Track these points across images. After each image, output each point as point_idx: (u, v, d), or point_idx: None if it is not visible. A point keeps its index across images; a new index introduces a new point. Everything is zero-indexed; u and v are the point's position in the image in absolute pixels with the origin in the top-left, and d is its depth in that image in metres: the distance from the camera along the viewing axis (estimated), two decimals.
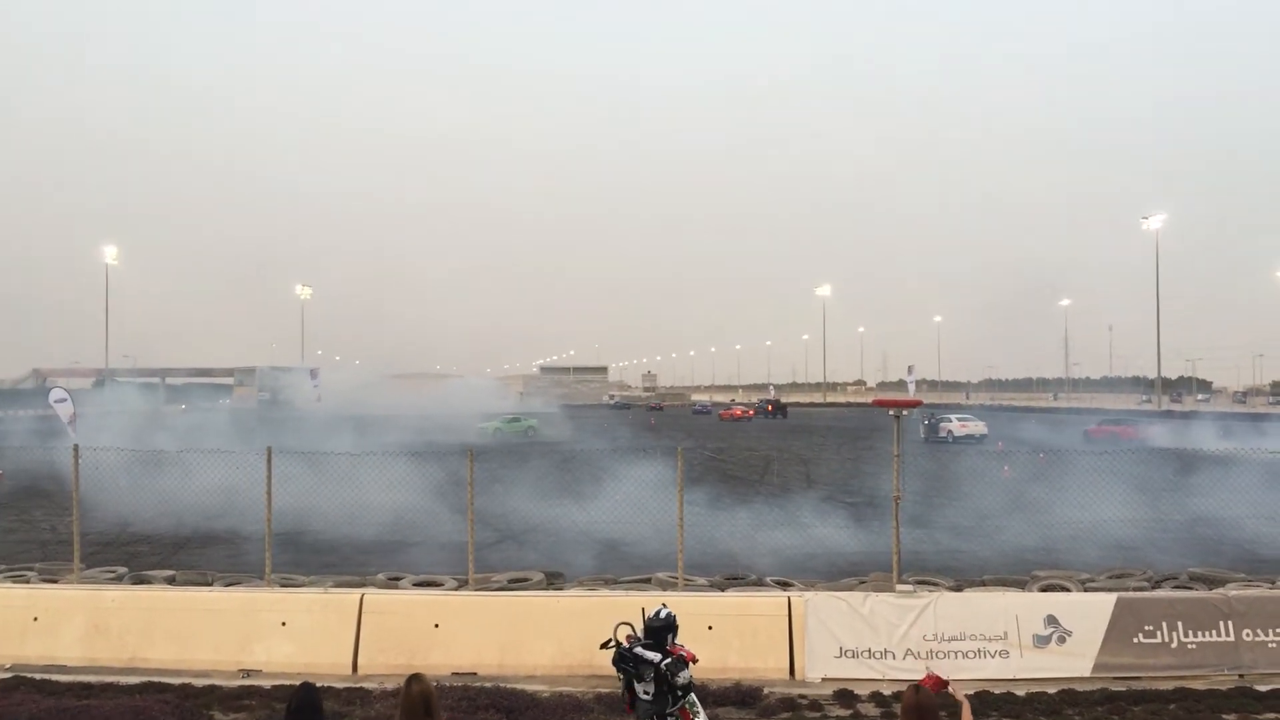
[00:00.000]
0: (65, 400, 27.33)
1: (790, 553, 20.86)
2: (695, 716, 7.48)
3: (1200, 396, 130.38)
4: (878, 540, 21.35)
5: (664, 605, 7.77)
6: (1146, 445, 47.63)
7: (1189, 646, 12.05)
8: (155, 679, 11.77)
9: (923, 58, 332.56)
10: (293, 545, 20.47)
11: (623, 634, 7.72)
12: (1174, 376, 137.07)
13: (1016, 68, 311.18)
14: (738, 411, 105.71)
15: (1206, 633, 12.09)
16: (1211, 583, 14.56)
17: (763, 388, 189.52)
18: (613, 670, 7.70)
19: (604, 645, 7.77)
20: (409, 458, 23.74)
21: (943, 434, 57.71)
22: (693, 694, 7.43)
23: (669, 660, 7.30)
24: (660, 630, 7.50)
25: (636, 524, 19.47)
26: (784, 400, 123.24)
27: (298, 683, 11.48)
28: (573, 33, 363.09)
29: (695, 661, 7.51)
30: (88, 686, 11.50)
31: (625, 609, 12.58)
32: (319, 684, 11.46)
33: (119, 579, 15.31)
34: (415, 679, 6.00)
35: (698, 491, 27.41)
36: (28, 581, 14.94)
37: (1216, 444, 37.28)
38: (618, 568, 17.41)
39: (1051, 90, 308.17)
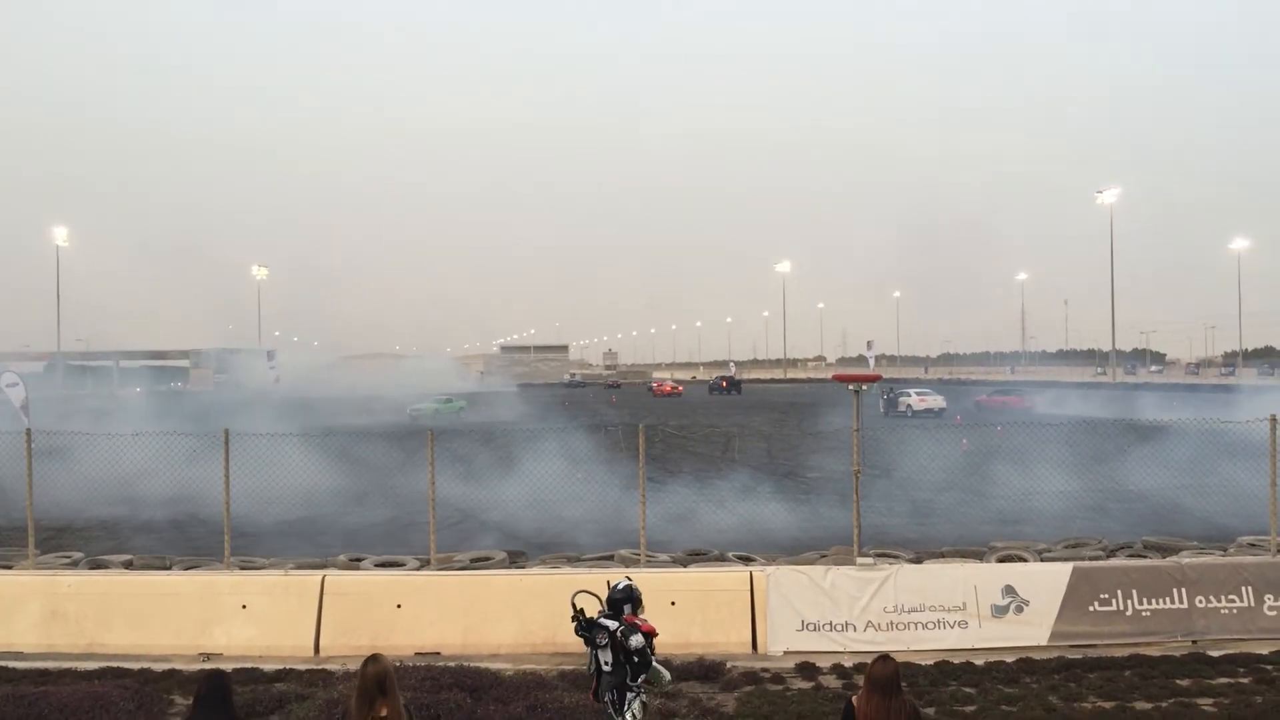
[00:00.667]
0: (17, 385, 26.85)
1: (750, 528, 20.98)
2: (656, 684, 7.48)
3: (1154, 368, 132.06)
4: (836, 515, 21.53)
5: (627, 578, 7.78)
6: (1032, 413, 52.00)
7: (1144, 614, 12.24)
8: (114, 664, 11.66)
9: (875, 33, 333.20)
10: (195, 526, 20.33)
11: (581, 601, 7.73)
12: (1128, 349, 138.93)
13: (976, 42, 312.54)
14: (667, 388, 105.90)
15: (1161, 600, 12.29)
16: (1165, 551, 14.82)
17: (723, 364, 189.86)
18: (576, 648, 7.71)
19: (573, 618, 7.76)
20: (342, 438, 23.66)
21: (901, 408, 58.20)
22: (657, 666, 7.42)
23: (622, 627, 7.33)
24: (618, 601, 7.52)
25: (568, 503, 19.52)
26: (741, 377, 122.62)
27: (260, 666, 11.52)
28: (527, 12, 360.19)
29: (654, 634, 7.46)
30: (45, 673, 11.37)
31: (588, 586, 12.62)
32: (281, 666, 11.50)
33: (75, 564, 15.15)
34: (372, 660, 5.95)
35: (656, 468, 27.49)
36: None
37: (1146, 414, 38.54)
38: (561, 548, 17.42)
39: (1009, 66, 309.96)
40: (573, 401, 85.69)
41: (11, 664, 11.70)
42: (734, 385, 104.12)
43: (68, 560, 15.37)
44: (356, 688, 5.85)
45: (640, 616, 7.48)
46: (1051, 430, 28.29)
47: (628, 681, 7.30)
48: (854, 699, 6.13)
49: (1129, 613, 12.25)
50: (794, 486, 27.31)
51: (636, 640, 7.28)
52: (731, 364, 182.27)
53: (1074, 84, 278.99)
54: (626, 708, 7.26)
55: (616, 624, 7.39)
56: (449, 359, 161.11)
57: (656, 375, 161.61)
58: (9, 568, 14.51)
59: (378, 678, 5.80)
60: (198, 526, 20.84)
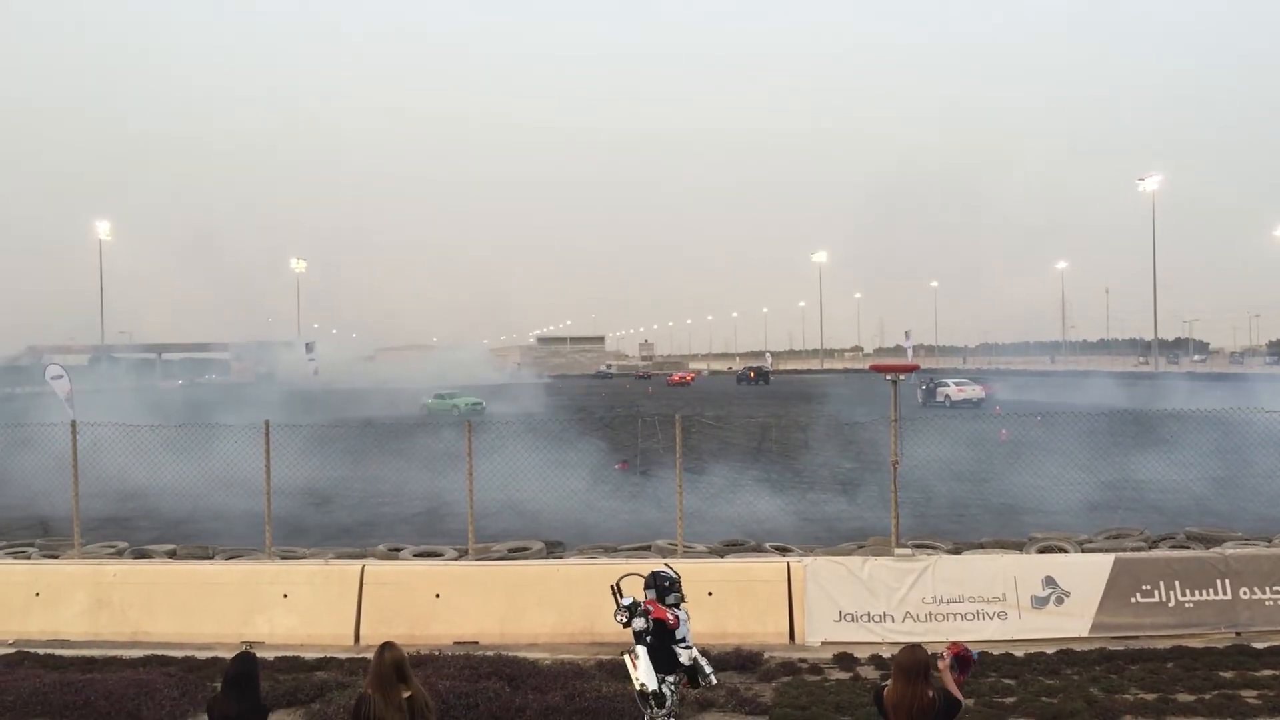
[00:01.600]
0: (62, 377, 27.22)
1: (788, 518, 20.95)
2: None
3: (1197, 357, 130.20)
4: (875, 505, 21.45)
5: (665, 566, 7.79)
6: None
7: (1186, 605, 12.12)
8: (158, 652, 11.84)
9: (915, 18, 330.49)
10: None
11: (627, 584, 7.76)
12: (1171, 338, 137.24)
13: (1015, 31, 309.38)
14: (675, 377, 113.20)
15: (1204, 591, 12.16)
16: (1208, 542, 14.63)
17: (759, 355, 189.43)
18: (614, 638, 7.74)
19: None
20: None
21: (940, 399, 57.78)
22: (644, 663, 7.27)
23: (632, 603, 7.43)
24: (646, 586, 7.59)
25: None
26: (778, 367, 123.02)
27: (301, 654, 11.64)
28: (574, 10, 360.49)
29: (668, 622, 7.35)
30: (91, 660, 11.55)
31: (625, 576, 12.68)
32: (322, 655, 11.61)
33: (120, 554, 15.35)
34: (387, 647, 6.05)
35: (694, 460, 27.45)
36: (29, 558, 14.99)
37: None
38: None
39: (1049, 52, 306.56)
40: (609, 392, 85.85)
41: (59, 651, 11.91)
42: (762, 375, 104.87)
43: (113, 550, 15.58)
44: (373, 673, 5.96)
45: (669, 603, 7.45)
46: (1091, 421, 28.01)
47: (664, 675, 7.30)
48: (884, 688, 6.12)
49: (1171, 604, 12.13)
50: (829, 477, 27.20)
51: (637, 623, 7.33)
52: (768, 354, 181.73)
53: (1118, 72, 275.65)
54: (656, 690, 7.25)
55: (631, 601, 7.46)
56: (482, 350, 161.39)
57: (692, 366, 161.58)
58: (55, 557, 14.75)
59: (395, 664, 5.92)
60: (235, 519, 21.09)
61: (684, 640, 7.42)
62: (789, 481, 26.45)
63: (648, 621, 7.34)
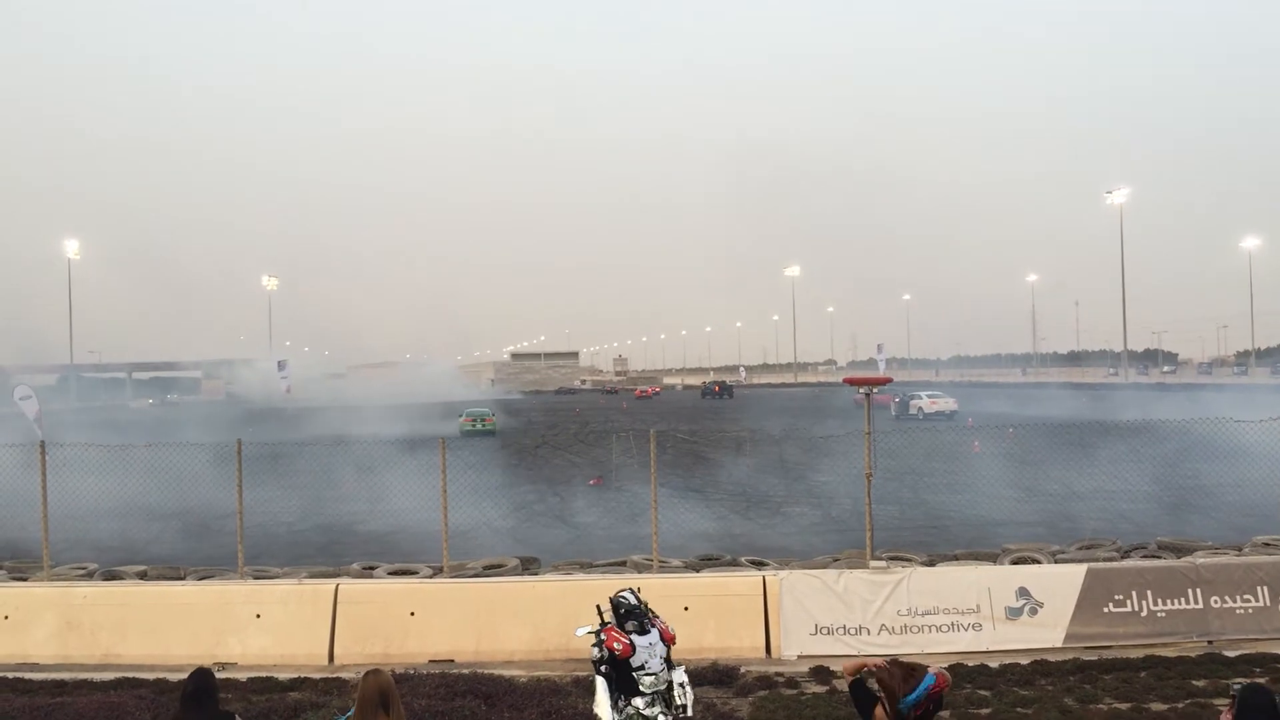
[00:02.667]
0: (30, 398, 27.03)
1: (763, 532, 20.98)
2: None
3: (1166, 369, 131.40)
4: (849, 518, 21.52)
5: (629, 591, 7.61)
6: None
7: (1159, 615, 12.21)
8: (130, 674, 11.69)
9: (883, 35, 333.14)
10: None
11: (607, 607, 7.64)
12: (1140, 349, 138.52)
13: (984, 48, 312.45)
14: (648, 391, 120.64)
15: (1176, 600, 12.25)
16: (1180, 551, 14.76)
17: (733, 369, 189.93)
18: (589, 654, 7.68)
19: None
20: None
21: (913, 411, 58.05)
22: (674, 679, 7.26)
23: (596, 629, 7.44)
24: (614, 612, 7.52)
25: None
26: (752, 381, 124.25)
27: (274, 675, 11.55)
28: (540, 25, 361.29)
29: (617, 651, 7.17)
30: (61, 684, 11.40)
31: (600, 592, 12.61)
32: (296, 675, 11.52)
33: (89, 575, 15.18)
34: (372, 673, 5.83)
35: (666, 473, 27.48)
36: None
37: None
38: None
39: (1017, 70, 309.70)
40: (583, 408, 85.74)
41: (28, 675, 11.75)
42: (725, 390, 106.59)
43: (82, 571, 15.41)
44: (357, 702, 5.72)
45: (629, 629, 7.28)
46: (1065, 432, 28.23)
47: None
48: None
49: (1144, 613, 12.21)
50: (802, 490, 27.26)
51: (593, 652, 7.32)
52: (742, 369, 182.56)
53: (1082, 81, 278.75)
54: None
55: (594, 628, 7.47)
56: (452, 367, 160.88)
57: (666, 380, 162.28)
58: (24, 579, 14.57)
59: (380, 690, 5.70)
60: (211, 537, 20.91)
61: (644, 667, 7.19)
62: (762, 495, 26.48)
63: (601, 650, 7.25)
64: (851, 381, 14.60)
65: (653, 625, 7.38)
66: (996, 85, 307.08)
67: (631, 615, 7.32)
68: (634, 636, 7.23)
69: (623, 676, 7.22)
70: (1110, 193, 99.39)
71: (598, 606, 7.64)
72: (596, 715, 7.20)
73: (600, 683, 7.24)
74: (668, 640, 7.37)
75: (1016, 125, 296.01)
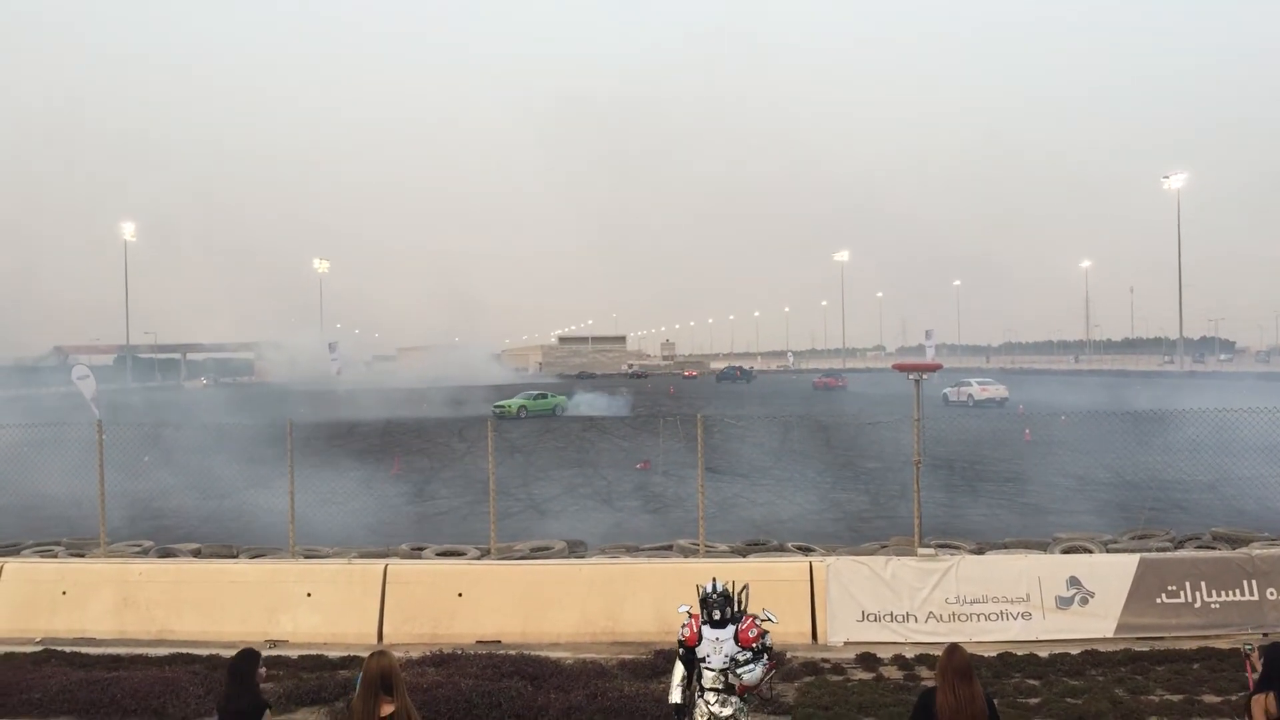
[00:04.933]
0: (87, 377, 27.46)
1: (810, 517, 20.92)
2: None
3: (1223, 356, 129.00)
4: (897, 504, 21.40)
5: (713, 580, 7.40)
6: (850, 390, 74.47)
7: (1213, 606, 12.03)
8: (183, 650, 11.91)
9: (939, 20, 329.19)
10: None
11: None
12: (1196, 337, 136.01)
13: (1038, 29, 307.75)
14: (689, 373, 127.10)
15: (1230, 592, 12.06)
16: (1235, 542, 14.51)
17: (781, 354, 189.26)
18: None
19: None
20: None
21: (963, 398, 57.50)
22: (746, 675, 7.04)
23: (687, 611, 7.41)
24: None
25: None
26: (799, 367, 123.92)
27: (324, 653, 11.70)
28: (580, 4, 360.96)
29: (684, 638, 7.20)
30: (117, 658, 11.64)
31: (646, 576, 12.73)
32: (346, 653, 11.66)
33: (145, 552, 15.45)
34: (376, 655, 5.76)
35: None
36: (55, 556, 15.09)
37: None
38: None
39: (1070, 50, 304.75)
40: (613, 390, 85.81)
41: (85, 650, 12.00)
42: (745, 375, 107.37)
43: (138, 549, 15.68)
44: (360, 683, 5.66)
45: (704, 621, 7.19)
46: (1114, 421, 27.83)
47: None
48: (936, 691, 5.76)
49: (1198, 605, 12.04)
50: (851, 477, 27.13)
51: (681, 632, 7.30)
52: (790, 354, 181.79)
53: (1141, 66, 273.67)
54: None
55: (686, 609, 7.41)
56: (499, 350, 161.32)
57: (714, 365, 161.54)
58: (82, 556, 14.86)
59: (382, 673, 5.61)
60: (260, 516, 21.20)
61: (705, 660, 7.08)
62: (810, 480, 26.39)
63: (682, 631, 7.28)
64: (901, 368, 14.46)
65: (732, 622, 7.16)
66: (1052, 67, 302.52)
67: (705, 604, 7.21)
68: (704, 628, 7.15)
69: (694, 668, 7.22)
70: (1167, 177, 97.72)
71: (698, 587, 7.45)
72: (670, 695, 7.24)
73: (677, 664, 7.29)
74: (743, 642, 7.06)
75: (1072, 106, 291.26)
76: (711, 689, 7.05)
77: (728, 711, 7.02)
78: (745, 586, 7.53)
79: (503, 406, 54.82)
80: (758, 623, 7.20)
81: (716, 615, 7.15)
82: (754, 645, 7.09)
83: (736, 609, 7.29)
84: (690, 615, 7.30)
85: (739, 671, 7.01)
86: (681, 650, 7.26)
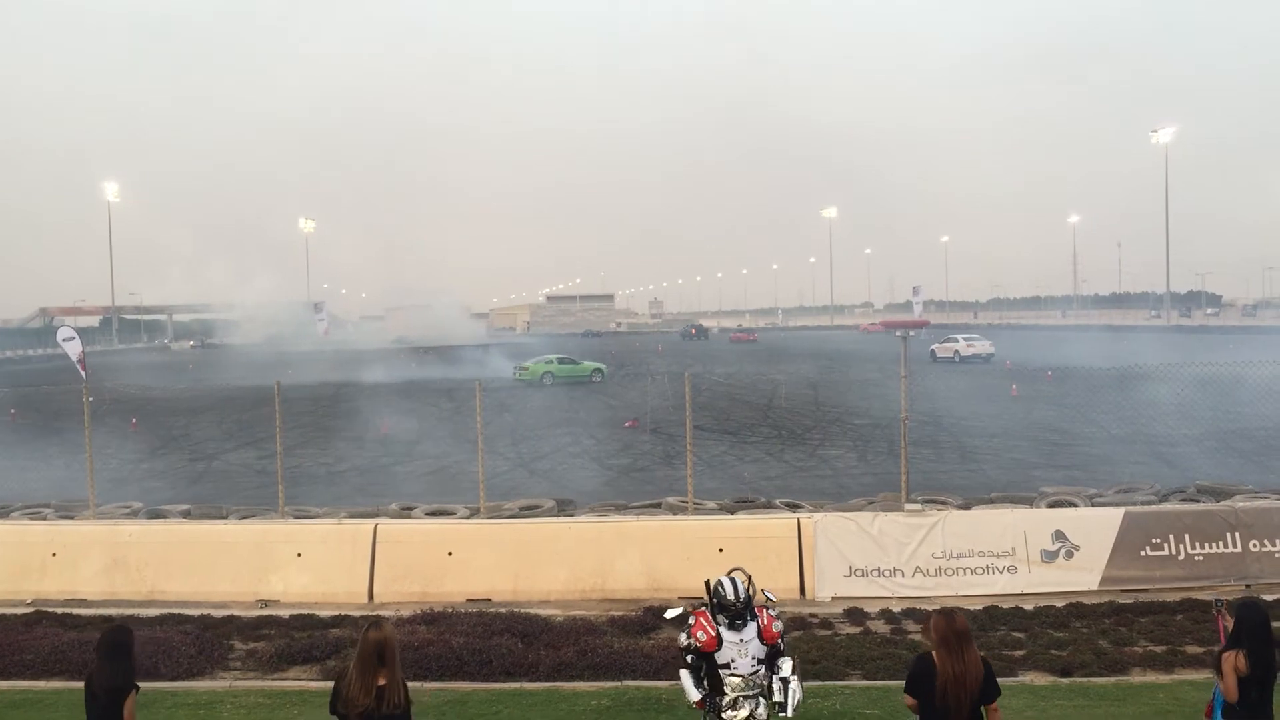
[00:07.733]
0: (73, 339, 27.29)
1: (797, 474, 21.02)
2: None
3: (1209, 310, 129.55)
4: (884, 460, 21.52)
5: (731, 577, 6.61)
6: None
7: (1196, 558, 12.15)
8: (175, 610, 11.94)
9: None
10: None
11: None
12: (1183, 291, 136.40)
13: None
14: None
15: (1214, 544, 12.18)
16: (1218, 495, 14.64)
17: (770, 312, 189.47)
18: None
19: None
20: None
21: (949, 354, 57.66)
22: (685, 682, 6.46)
23: (682, 614, 6.89)
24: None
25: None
26: (787, 324, 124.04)
27: (315, 612, 11.74)
28: None
29: (700, 643, 6.36)
30: (108, 619, 11.64)
31: (635, 534, 12.79)
32: (337, 613, 11.71)
33: (135, 514, 15.46)
34: (373, 626, 5.66)
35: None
36: (45, 518, 15.10)
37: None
38: None
39: (1057, 5, 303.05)
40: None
41: (77, 611, 12.03)
42: (701, 332, 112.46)
43: (128, 510, 15.69)
44: (356, 655, 5.61)
45: (720, 623, 6.45)
46: (1099, 376, 27.95)
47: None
48: (936, 656, 5.58)
49: (1181, 557, 12.16)
50: (839, 434, 27.24)
51: (680, 639, 6.59)
52: (779, 311, 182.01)
53: (1125, 20, 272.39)
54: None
55: (682, 612, 6.87)
56: (488, 309, 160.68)
57: (702, 322, 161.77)
58: (71, 518, 14.86)
59: (378, 645, 5.55)
60: (249, 477, 21.21)
61: (730, 666, 6.32)
62: (798, 437, 26.49)
63: (688, 638, 6.46)
64: (889, 324, 14.51)
65: (752, 619, 6.46)
66: (1038, 22, 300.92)
67: (723, 609, 6.46)
68: (723, 630, 6.40)
69: (711, 672, 6.39)
70: (1155, 132, 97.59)
71: (706, 582, 6.77)
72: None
73: (684, 675, 6.47)
74: (768, 639, 6.40)
75: (1060, 61, 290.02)
76: (742, 695, 6.30)
77: (764, 713, 6.32)
78: (750, 578, 6.70)
79: (526, 369, 48.89)
80: (769, 611, 6.56)
81: (739, 622, 6.45)
82: (779, 641, 6.50)
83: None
84: (693, 613, 6.61)
85: (790, 689, 6.30)
86: (691, 658, 6.47)
